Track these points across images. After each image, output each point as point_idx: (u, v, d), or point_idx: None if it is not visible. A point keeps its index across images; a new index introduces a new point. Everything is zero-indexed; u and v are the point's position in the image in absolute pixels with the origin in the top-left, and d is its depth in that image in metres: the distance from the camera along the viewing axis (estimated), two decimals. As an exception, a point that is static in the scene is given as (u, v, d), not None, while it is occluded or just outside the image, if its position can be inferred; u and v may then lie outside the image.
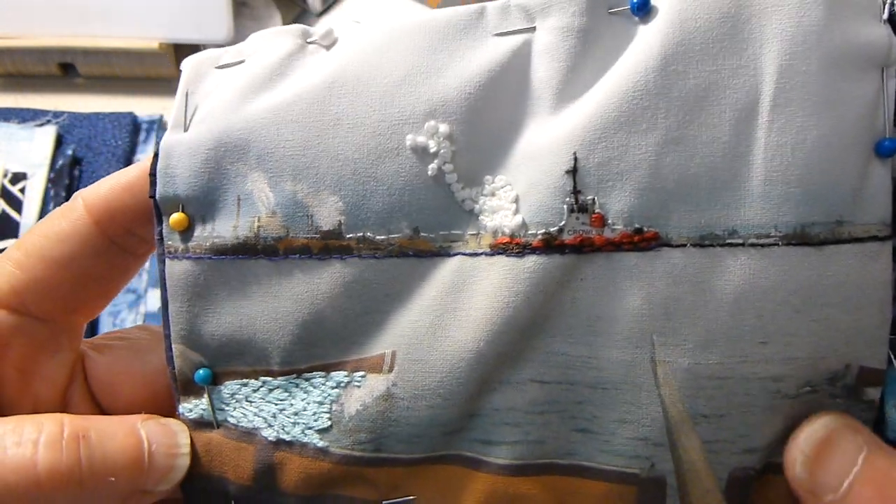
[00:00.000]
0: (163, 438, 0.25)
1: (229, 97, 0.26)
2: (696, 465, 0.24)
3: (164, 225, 0.26)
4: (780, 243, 0.22)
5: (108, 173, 0.68)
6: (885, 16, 0.23)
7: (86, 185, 0.73)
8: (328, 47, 0.27)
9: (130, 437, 0.25)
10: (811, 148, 0.22)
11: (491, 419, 0.25)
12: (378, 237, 0.25)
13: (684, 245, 0.23)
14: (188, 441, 0.26)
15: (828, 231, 0.22)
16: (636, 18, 0.24)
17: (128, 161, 0.69)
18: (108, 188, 0.27)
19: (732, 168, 0.23)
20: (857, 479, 0.22)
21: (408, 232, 0.24)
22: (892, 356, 0.24)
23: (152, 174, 0.26)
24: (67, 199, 0.66)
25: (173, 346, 0.26)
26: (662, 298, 0.23)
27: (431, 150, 0.24)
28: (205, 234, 0.26)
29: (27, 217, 0.65)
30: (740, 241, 0.23)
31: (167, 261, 0.26)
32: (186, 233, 0.26)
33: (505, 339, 0.24)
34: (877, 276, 0.23)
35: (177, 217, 0.26)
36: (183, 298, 0.26)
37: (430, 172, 0.24)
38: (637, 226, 0.23)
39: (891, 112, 0.23)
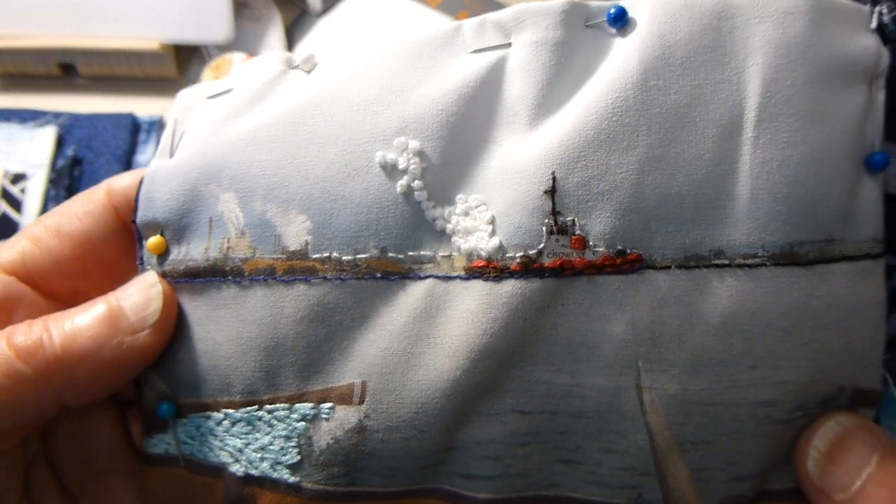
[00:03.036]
0: (130, 288, 0.25)
1: (211, 122, 0.26)
2: (686, 494, 0.23)
3: (143, 249, 0.26)
4: (767, 263, 0.22)
5: (109, 173, 0.68)
6: (874, 25, 0.22)
7: (86, 186, 0.73)
8: (309, 72, 0.26)
9: (96, 301, 0.25)
10: (798, 164, 0.21)
11: (471, 452, 0.24)
12: (344, 257, 0.24)
13: (669, 267, 0.22)
14: (155, 276, 0.25)
15: (817, 250, 0.22)
16: (613, 31, 0.23)
17: (128, 161, 0.69)
18: (131, 178, 0.28)
19: (717, 186, 0.22)
20: (869, 479, 0.21)
21: (375, 252, 0.23)
22: (889, 376, 0.23)
23: (136, 199, 0.26)
24: (68, 199, 0.66)
25: (150, 374, 0.26)
26: (647, 323, 0.22)
27: (401, 167, 0.23)
28: (179, 258, 0.26)
29: (27, 217, 0.65)
30: (727, 261, 0.22)
31: None
32: (163, 256, 0.26)
33: (483, 368, 0.23)
34: (870, 295, 0.22)
35: (154, 241, 0.26)
36: None
37: (398, 189, 0.23)
38: (619, 247, 0.22)
39: (880, 125, 0.22)
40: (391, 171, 0.23)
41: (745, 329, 0.22)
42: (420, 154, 0.23)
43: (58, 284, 0.28)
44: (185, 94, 0.28)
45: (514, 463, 0.23)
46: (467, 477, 0.24)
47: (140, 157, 0.70)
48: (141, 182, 0.27)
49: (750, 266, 0.22)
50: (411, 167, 0.23)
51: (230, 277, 0.25)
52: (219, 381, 0.25)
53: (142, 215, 0.26)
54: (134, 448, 0.29)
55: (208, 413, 0.25)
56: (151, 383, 0.26)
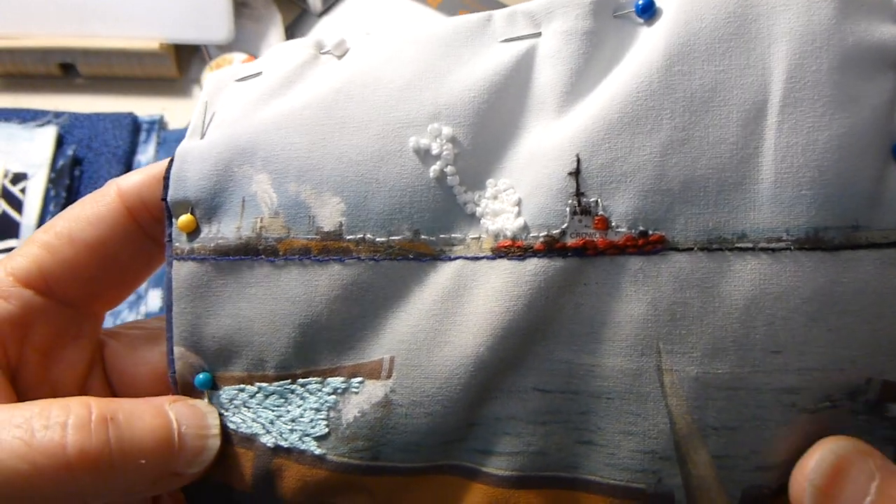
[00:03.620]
0: (192, 419, 0.25)
1: (243, 105, 0.27)
2: (707, 481, 0.23)
3: (172, 227, 0.26)
4: (792, 248, 0.21)
5: (109, 173, 0.69)
6: None
7: (86, 186, 0.73)
8: (340, 57, 0.27)
9: (159, 417, 0.24)
10: (823, 149, 0.21)
11: (491, 429, 0.24)
12: (378, 239, 0.24)
13: (691, 249, 0.22)
14: (217, 422, 0.26)
15: (843, 236, 0.21)
16: (641, 21, 0.24)
17: (128, 161, 0.69)
18: (141, 176, 0.27)
19: (741, 169, 0.22)
20: None
21: (408, 234, 0.24)
22: None
23: (166, 178, 0.26)
24: (68, 198, 0.67)
25: (175, 347, 0.26)
26: (669, 304, 0.22)
27: (434, 153, 0.24)
28: (210, 236, 0.26)
29: (27, 217, 0.65)
30: (750, 244, 0.22)
31: (174, 262, 0.26)
32: (193, 234, 0.26)
33: (506, 345, 0.23)
34: None
35: (185, 219, 0.26)
36: (187, 300, 0.26)
37: (431, 174, 0.24)
38: (642, 229, 0.22)
39: None
40: (424, 156, 0.24)
41: (769, 313, 0.22)
42: (453, 140, 0.24)
43: (74, 291, 0.27)
44: (215, 77, 0.29)
45: (533, 441, 0.24)
46: (487, 453, 0.24)
47: (140, 156, 0.70)
48: (171, 162, 0.27)
49: (774, 250, 0.22)
50: (444, 153, 0.24)
51: (263, 257, 0.25)
52: (252, 356, 0.26)
53: (173, 194, 0.26)
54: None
55: (242, 386, 0.26)
56: (184, 357, 0.26)
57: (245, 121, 0.26)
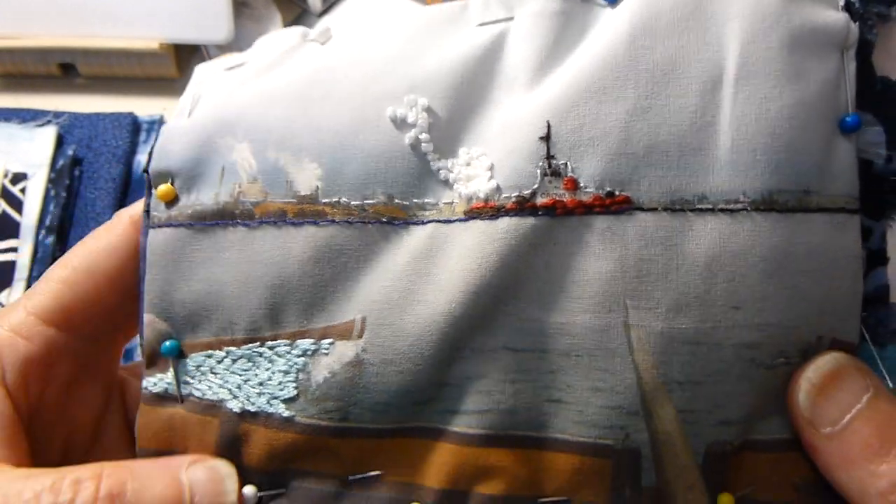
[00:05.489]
0: (208, 485, 0.24)
1: (228, 87, 0.28)
2: (672, 436, 0.24)
3: (152, 198, 0.27)
4: (748, 209, 0.23)
5: (109, 173, 0.69)
6: (842, 3, 0.24)
7: (86, 186, 0.73)
8: (324, 43, 0.28)
9: (171, 487, 0.24)
10: (775, 118, 0.23)
11: (461, 388, 0.24)
12: (353, 202, 0.25)
13: (655, 209, 0.23)
14: (235, 486, 0.25)
15: (795, 199, 0.23)
16: (605, 4, 0.26)
17: (128, 161, 0.69)
18: None
19: (700, 136, 0.23)
20: (858, 415, 0.22)
21: (382, 198, 0.25)
22: (864, 331, 0.24)
23: (150, 153, 0.27)
24: (68, 198, 0.67)
25: (144, 315, 0.26)
26: (635, 261, 0.23)
27: (409, 121, 0.25)
28: (188, 203, 0.26)
29: (27, 217, 0.65)
30: (710, 206, 0.23)
31: (150, 231, 0.26)
32: (171, 203, 0.27)
33: (477, 302, 0.24)
34: (847, 248, 0.23)
35: (164, 188, 0.26)
36: (159, 266, 0.26)
37: (407, 141, 0.25)
38: (609, 189, 0.24)
39: (852, 91, 0.24)
40: (401, 124, 0.25)
41: (729, 270, 0.23)
42: (428, 110, 0.25)
43: (96, 325, 0.27)
44: (204, 66, 0.30)
45: (503, 399, 0.24)
46: (457, 413, 0.25)
47: (140, 156, 0.70)
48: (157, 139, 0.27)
49: (732, 211, 0.23)
50: (420, 121, 0.25)
51: (239, 221, 0.26)
52: (222, 320, 0.26)
53: (154, 165, 0.27)
54: None
55: (210, 352, 0.26)
56: (152, 325, 0.26)
57: (229, 98, 0.27)
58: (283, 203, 0.25)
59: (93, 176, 0.68)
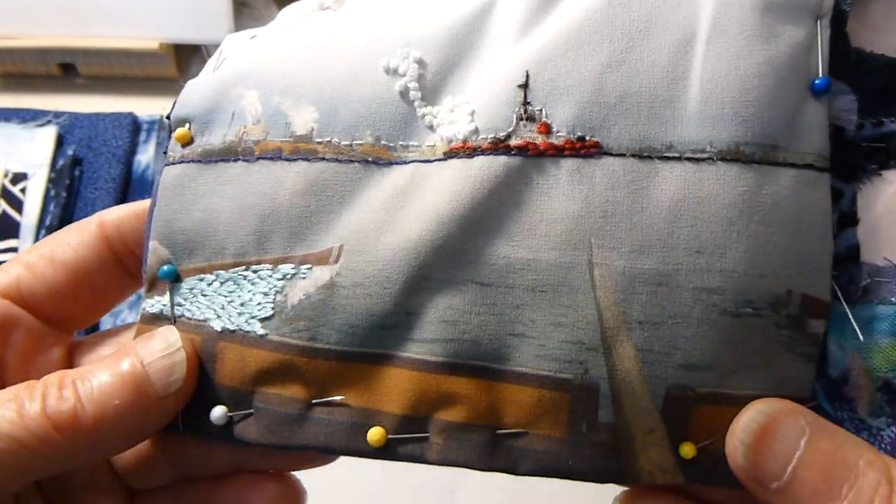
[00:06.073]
0: (153, 346, 0.26)
1: (248, 46, 0.30)
2: (632, 374, 0.24)
3: (171, 141, 0.29)
4: (714, 158, 0.24)
5: (109, 173, 0.69)
6: None
7: (86, 186, 0.73)
8: (336, 11, 0.30)
9: (121, 358, 0.25)
10: (745, 74, 0.24)
11: (427, 317, 0.25)
12: (343, 142, 0.27)
13: (624, 155, 0.25)
14: (178, 336, 0.27)
15: (762, 152, 0.24)
16: None
17: (128, 161, 0.69)
18: (122, 212, 0.30)
19: (671, 89, 0.25)
20: (800, 463, 0.21)
21: (370, 140, 0.27)
22: (837, 289, 0.24)
23: (173, 105, 0.29)
24: (68, 198, 0.67)
25: (150, 242, 0.28)
26: (601, 201, 0.24)
27: (401, 71, 0.27)
28: (200, 143, 0.29)
29: (27, 217, 0.65)
30: (677, 154, 0.24)
31: (164, 169, 0.29)
32: (187, 145, 0.29)
33: (447, 232, 0.25)
34: (815, 203, 0.24)
35: (181, 131, 0.29)
36: (167, 198, 0.28)
37: (396, 88, 0.27)
38: (580, 134, 0.25)
39: (825, 57, 0.24)
40: (393, 73, 0.27)
41: (692, 215, 0.24)
42: (419, 62, 0.27)
43: (51, 309, 0.29)
44: (232, 36, 0.32)
45: (468, 329, 0.25)
46: (422, 341, 0.25)
47: (140, 156, 0.70)
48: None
49: (698, 160, 0.24)
50: (410, 71, 0.27)
51: (241, 157, 0.28)
52: (216, 245, 0.28)
53: (175, 112, 0.29)
54: (114, 469, 0.29)
55: (202, 275, 0.28)
56: (155, 251, 0.28)
57: (247, 56, 0.30)
58: (280, 142, 0.27)
59: (93, 176, 0.68)
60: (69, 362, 0.30)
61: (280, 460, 0.29)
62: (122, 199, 0.68)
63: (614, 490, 0.27)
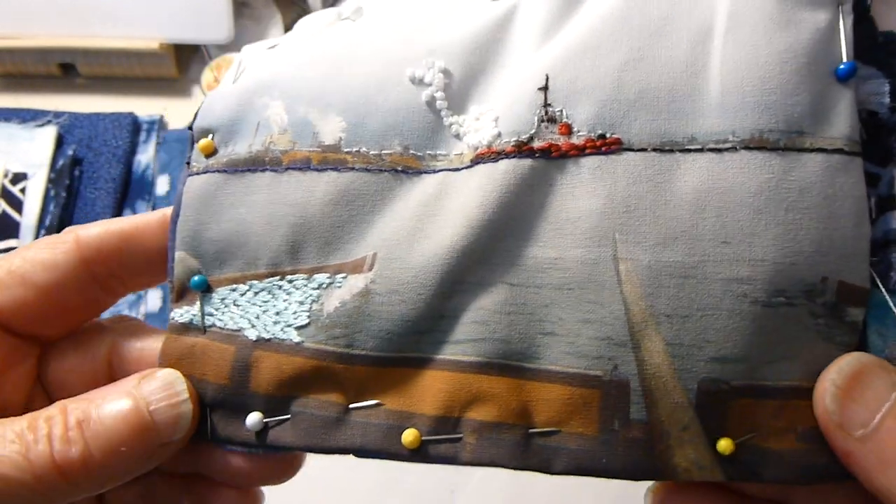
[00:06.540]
0: (161, 392, 0.26)
1: (268, 56, 0.31)
2: (662, 369, 0.24)
3: (194, 151, 0.29)
4: (738, 147, 0.24)
5: (109, 173, 0.69)
6: None
7: (86, 186, 0.73)
8: (355, 21, 0.30)
9: (128, 403, 0.25)
10: (765, 62, 0.24)
11: (459, 319, 0.26)
12: (372, 152, 0.27)
13: (645, 149, 0.25)
14: (185, 386, 0.27)
15: (787, 139, 0.24)
16: None
17: (128, 161, 0.69)
18: (101, 230, 0.29)
19: (690, 82, 0.25)
20: (889, 413, 0.21)
21: (399, 149, 0.27)
22: (876, 277, 0.24)
23: (196, 113, 0.30)
24: (68, 198, 0.67)
25: (176, 252, 0.28)
26: (624, 196, 0.24)
27: (427, 81, 0.27)
28: (224, 153, 0.29)
29: (27, 217, 0.65)
30: (699, 146, 0.24)
31: (188, 179, 0.29)
32: (210, 155, 0.29)
33: (478, 237, 0.25)
34: (848, 188, 0.23)
35: (204, 142, 0.29)
36: (192, 208, 0.28)
37: (423, 98, 0.27)
38: (600, 132, 0.25)
39: (849, 43, 0.24)
40: (419, 83, 0.27)
41: (717, 205, 0.24)
42: (444, 71, 0.27)
43: (20, 327, 0.28)
44: (249, 47, 0.32)
45: (499, 329, 0.25)
46: (454, 343, 0.26)
47: (140, 156, 0.70)
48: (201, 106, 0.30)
49: (721, 150, 0.24)
50: (436, 81, 0.27)
51: (268, 167, 0.28)
52: (248, 256, 0.28)
53: (198, 123, 0.30)
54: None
55: (235, 286, 0.28)
56: (183, 261, 0.28)
57: (268, 66, 0.30)
58: (308, 151, 0.28)
59: (93, 176, 0.68)
60: (39, 368, 0.29)
61: (243, 477, 0.29)
62: (122, 198, 0.68)
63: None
